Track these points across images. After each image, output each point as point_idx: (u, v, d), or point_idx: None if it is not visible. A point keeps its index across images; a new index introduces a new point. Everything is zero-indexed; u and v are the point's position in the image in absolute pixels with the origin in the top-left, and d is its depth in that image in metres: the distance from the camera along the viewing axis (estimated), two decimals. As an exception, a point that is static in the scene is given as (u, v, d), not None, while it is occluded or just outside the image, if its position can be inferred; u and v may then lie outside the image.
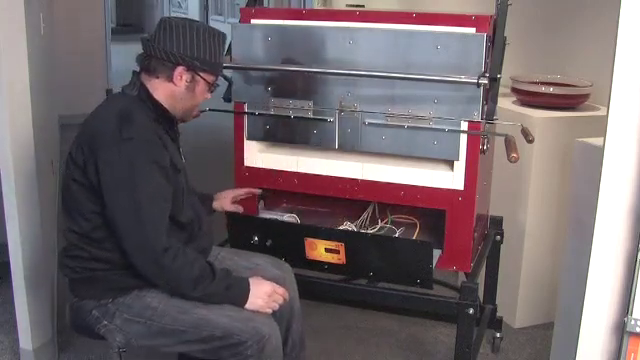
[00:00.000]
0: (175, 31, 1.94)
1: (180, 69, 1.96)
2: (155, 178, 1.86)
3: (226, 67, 2.26)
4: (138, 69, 2.01)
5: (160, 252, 1.83)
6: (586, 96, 2.98)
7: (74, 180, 1.91)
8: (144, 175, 1.85)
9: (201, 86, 2.01)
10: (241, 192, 2.45)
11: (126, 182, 1.83)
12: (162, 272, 1.86)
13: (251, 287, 1.96)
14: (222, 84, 2.39)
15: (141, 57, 2.00)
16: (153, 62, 1.96)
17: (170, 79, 1.97)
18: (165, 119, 2.01)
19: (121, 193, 1.84)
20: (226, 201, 2.40)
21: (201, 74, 1.99)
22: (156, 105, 1.98)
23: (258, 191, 2.48)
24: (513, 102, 3.12)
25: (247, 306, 1.95)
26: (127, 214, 1.84)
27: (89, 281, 1.95)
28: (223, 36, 2.03)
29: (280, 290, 2.01)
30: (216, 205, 2.38)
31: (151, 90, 1.98)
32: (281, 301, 2.02)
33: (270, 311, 1.99)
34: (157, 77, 1.97)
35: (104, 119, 1.92)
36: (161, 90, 1.98)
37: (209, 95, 2.05)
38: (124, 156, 1.84)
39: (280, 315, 2.12)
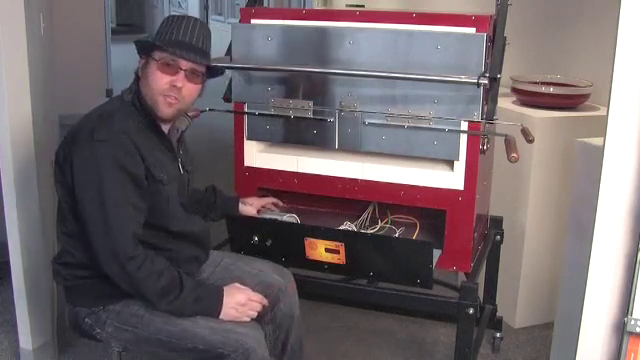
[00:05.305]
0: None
1: (141, 58, 1.93)
2: (122, 184, 1.81)
3: (226, 67, 2.25)
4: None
5: (125, 259, 1.79)
6: (586, 96, 2.98)
7: (57, 181, 1.91)
8: (111, 180, 1.80)
9: (152, 65, 1.89)
10: (268, 201, 2.46)
11: (94, 185, 1.80)
12: (127, 279, 1.82)
13: (224, 297, 1.90)
14: (222, 84, 2.41)
15: None
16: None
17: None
18: (157, 126, 1.95)
19: (89, 195, 1.81)
20: (253, 208, 2.40)
21: (152, 54, 1.90)
22: (147, 111, 1.92)
23: (280, 203, 2.50)
24: (513, 102, 3.12)
25: (221, 317, 1.89)
26: (94, 217, 1.81)
27: (80, 289, 1.94)
28: (192, 20, 1.93)
29: (256, 297, 1.96)
30: (242, 209, 2.38)
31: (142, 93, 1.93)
32: (259, 308, 1.96)
33: (248, 319, 1.93)
34: (139, 76, 1.94)
35: (86, 120, 1.89)
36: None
37: (166, 78, 1.88)
38: (94, 157, 1.80)
39: (280, 323, 2.12)
